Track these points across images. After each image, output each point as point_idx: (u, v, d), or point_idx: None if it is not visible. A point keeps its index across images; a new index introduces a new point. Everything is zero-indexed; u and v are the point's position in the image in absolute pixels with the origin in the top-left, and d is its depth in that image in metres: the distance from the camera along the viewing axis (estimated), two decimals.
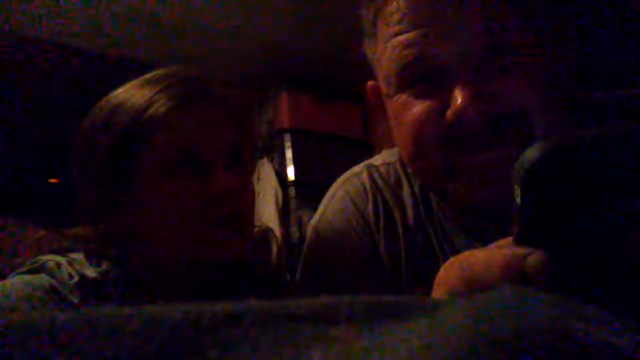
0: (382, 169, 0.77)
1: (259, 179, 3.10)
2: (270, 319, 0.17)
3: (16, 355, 0.14)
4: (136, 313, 0.15)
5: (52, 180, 3.33)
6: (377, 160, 0.79)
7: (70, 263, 0.69)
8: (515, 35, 0.57)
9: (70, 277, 0.67)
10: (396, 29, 0.59)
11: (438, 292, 0.38)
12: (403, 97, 0.62)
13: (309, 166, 3.07)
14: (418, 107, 0.60)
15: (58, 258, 0.69)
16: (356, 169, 0.80)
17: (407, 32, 0.58)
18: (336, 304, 0.19)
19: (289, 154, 3.08)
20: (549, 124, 0.57)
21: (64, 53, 2.62)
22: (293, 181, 3.04)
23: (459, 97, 0.56)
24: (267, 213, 2.91)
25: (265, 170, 3.09)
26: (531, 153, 0.27)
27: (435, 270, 0.67)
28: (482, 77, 0.57)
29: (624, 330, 0.15)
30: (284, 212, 2.98)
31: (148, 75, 0.75)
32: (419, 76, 0.60)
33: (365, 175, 0.77)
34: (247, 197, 0.74)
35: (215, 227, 0.69)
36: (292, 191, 3.03)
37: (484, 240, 0.65)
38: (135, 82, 0.74)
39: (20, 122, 2.95)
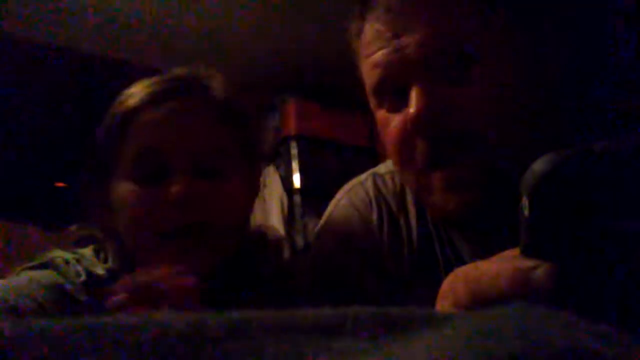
0: (387, 177, 0.77)
1: (264, 186, 3.10)
2: (275, 330, 0.17)
3: None
4: (140, 324, 0.15)
5: (59, 184, 3.34)
6: (382, 168, 0.79)
7: (78, 260, 0.68)
8: (470, 47, 0.59)
9: (78, 274, 0.66)
10: (367, 50, 0.64)
11: (443, 303, 0.38)
12: (382, 112, 0.66)
13: (315, 174, 3.06)
14: (392, 123, 0.64)
15: (66, 255, 0.68)
16: (361, 177, 0.81)
17: (374, 53, 0.63)
18: (341, 316, 0.19)
19: (295, 161, 3.08)
20: (515, 136, 0.60)
21: (73, 57, 2.64)
22: (299, 189, 3.04)
23: (413, 106, 0.59)
24: (272, 220, 2.91)
25: (271, 178, 3.09)
26: (540, 165, 0.27)
27: (439, 278, 0.67)
28: (438, 88, 0.59)
29: (635, 347, 0.14)
30: (289, 220, 2.97)
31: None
32: (389, 93, 0.64)
33: (369, 184, 0.78)
34: (216, 207, 0.67)
35: (171, 236, 0.64)
36: (297, 199, 3.02)
37: (486, 248, 0.65)
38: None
39: (26, 126, 2.97)
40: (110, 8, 2.41)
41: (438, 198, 0.63)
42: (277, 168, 3.14)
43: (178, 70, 0.74)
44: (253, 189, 0.79)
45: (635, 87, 0.69)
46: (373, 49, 0.63)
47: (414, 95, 0.59)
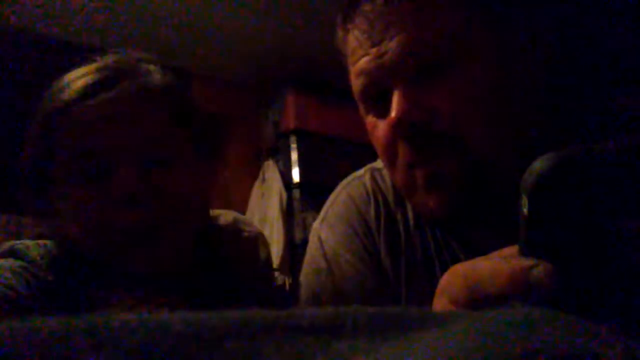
0: (384, 172, 0.77)
1: (263, 180, 3.11)
2: (273, 331, 0.17)
3: None
4: (138, 324, 0.15)
5: None
6: (380, 163, 0.80)
7: (39, 245, 0.65)
8: (446, 50, 0.60)
9: (42, 257, 0.63)
10: (352, 58, 0.66)
11: (440, 300, 0.38)
12: (370, 118, 0.68)
13: (314, 168, 3.07)
14: (379, 128, 0.66)
15: (27, 242, 0.66)
16: (359, 172, 0.81)
17: (357, 61, 0.64)
18: (340, 316, 0.19)
19: (294, 155, 3.08)
20: (496, 136, 0.61)
21: (67, 48, 2.63)
22: (298, 183, 3.04)
23: (393, 111, 0.61)
24: (271, 215, 2.91)
25: (270, 172, 3.09)
26: (540, 164, 0.27)
27: (434, 274, 0.67)
28: (417, 92, 0.61)
29: (635, 349, 0.14)
30: (288, 214, 2.97)
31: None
32: (374, 99, 0.65)
33: (367, 178, 0.78)
34: (168, 196, 0.63)
35: (120, 237, 0.60)
36: (296, 193, 3.03)
37: (477, 246, 0.66)
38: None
39: (11, 118, 2.96)
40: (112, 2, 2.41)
41: (420, 196, 0.64)
42: (276, 162, 3.14)
43: (109, 58, 0.68)
44: (207, 175, 0.74)
45: (629, 86, 0.70)
46: (356, 57, 0.65)
47: (394, 100, 0.61)
